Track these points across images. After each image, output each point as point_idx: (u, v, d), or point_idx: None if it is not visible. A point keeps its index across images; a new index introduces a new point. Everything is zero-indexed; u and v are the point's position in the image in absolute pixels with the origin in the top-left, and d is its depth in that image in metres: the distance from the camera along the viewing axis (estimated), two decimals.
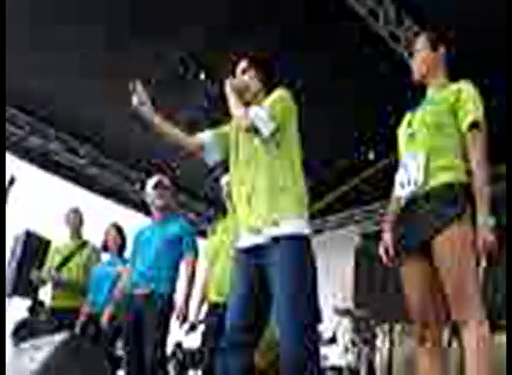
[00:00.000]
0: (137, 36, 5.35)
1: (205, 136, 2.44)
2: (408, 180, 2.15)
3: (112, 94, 5.65)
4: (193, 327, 3.89)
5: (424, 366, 2.14)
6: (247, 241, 2.22)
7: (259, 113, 2.16)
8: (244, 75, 2.42)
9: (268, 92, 2.33)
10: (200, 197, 8.89)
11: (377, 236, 2.54)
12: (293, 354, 1.97)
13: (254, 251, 2.17)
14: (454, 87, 2.17)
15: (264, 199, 2.16)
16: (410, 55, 2.38)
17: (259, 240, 2.15)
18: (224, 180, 3.81)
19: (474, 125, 2.06)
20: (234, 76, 2.45)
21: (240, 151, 2.33)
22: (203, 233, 7.42)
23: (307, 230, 2.13)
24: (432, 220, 2.05)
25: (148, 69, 5.16)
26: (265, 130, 2.15)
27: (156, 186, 3.67)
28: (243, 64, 2.47)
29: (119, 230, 4.58)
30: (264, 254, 2.13)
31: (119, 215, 7.71)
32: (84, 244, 4.67)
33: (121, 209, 8.52)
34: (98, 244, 4.65)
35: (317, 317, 2.14)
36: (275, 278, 2.08)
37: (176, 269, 3.56)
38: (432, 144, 2.13)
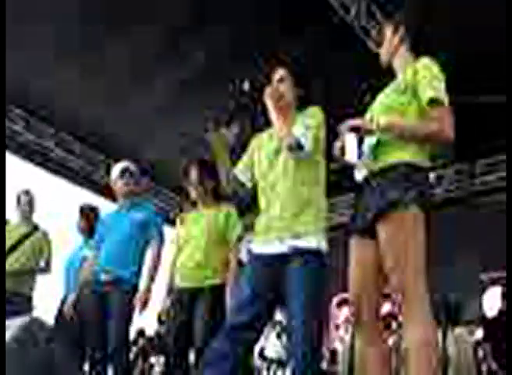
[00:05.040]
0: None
1: (239, 173, 2.44)
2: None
3: None
4: (160, 319, 3.81)
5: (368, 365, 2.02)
6: (264, 248, 2.25)
7: (304, 133, 2.18)
8: (281, 84, 2.40)
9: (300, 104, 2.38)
10: (170, 184, 8.83)
11: (342, 227, 2.53)
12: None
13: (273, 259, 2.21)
14: (412, 65, 2.13)
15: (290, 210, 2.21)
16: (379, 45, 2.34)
17: (280, 249, 2.19)
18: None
19: (433, 101, 1.99)
20: (269, 80, 2.42)
21: (274, 162, 2.33)
22: (172, 222, 7.35)
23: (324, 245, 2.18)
24: (374, 203, 1.97)
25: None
26: (307, 149, 2.17)
27: (123, 173, 3.64)
28: (280, 73, 2.43)
29: (87, 212, 4.50)
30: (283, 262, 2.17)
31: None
32: (35, 228, 4.45)
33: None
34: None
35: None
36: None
37: (142, 254, 3.53)
38: None
